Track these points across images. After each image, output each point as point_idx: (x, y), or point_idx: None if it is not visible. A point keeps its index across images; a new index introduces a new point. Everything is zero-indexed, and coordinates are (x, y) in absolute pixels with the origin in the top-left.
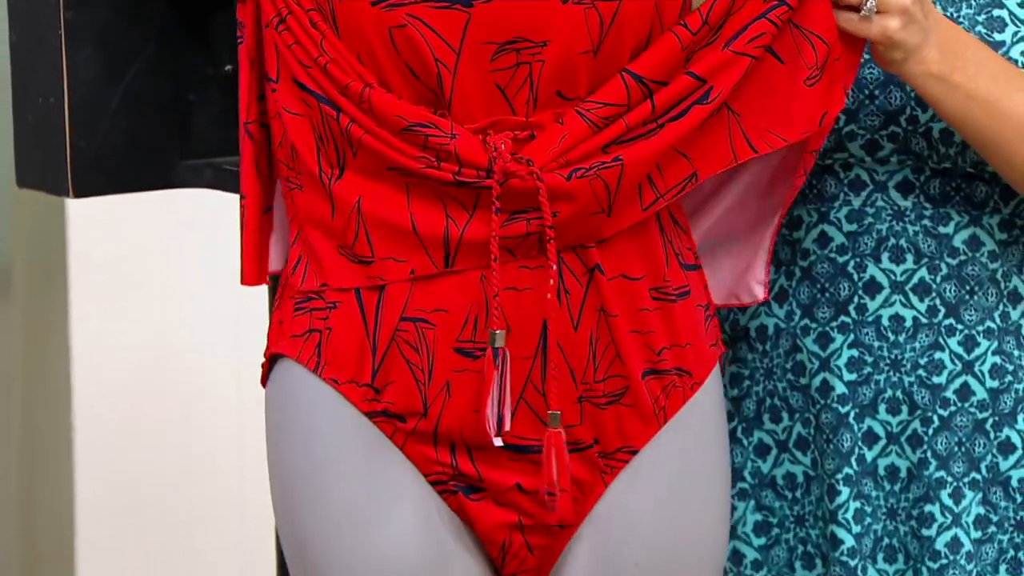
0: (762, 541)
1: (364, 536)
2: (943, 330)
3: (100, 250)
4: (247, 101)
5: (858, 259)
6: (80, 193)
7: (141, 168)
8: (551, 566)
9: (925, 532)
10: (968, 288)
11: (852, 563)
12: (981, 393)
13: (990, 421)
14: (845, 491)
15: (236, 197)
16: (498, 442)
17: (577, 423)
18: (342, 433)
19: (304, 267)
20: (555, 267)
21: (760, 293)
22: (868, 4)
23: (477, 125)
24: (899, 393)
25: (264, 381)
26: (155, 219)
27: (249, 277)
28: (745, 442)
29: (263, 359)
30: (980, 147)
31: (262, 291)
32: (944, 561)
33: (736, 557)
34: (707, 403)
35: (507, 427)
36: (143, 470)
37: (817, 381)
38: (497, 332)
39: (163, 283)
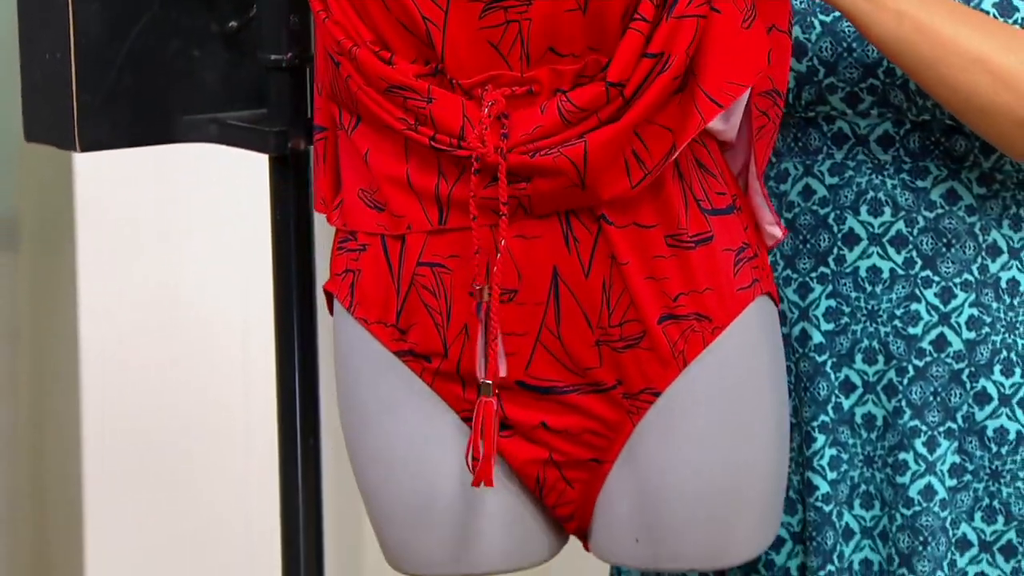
0: None
1: (391, 467)
2: (919, 282)
3: (107, 203)
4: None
5: (838, 211)
6: (86, 147)
7: (146, 123)
8: (594, 500)
9: (899, 479)
10: (945, 241)
11: (827, 508)
12: (957, 344)
13: (966, 372)
14: (821, 438)
15: (240, 151)
16: (487, 387)
17: (597, 365)
18: (376, 369)
19: (339, 206)
20: (503, 242)
21: (778, 232)
22: None
23: (473, 80)
24: (875, 343)
25: (330, 310)
26: (160, 173)
27: (326, 204)
28: None
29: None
30: (920, 75)
31: (266, 244)
32: (917, 508)
33: None
34: (737, 346)
35: (502, 372)
36: (149, 420)
37: (796, 330)
38: (482, 287)
39: (169, 235)
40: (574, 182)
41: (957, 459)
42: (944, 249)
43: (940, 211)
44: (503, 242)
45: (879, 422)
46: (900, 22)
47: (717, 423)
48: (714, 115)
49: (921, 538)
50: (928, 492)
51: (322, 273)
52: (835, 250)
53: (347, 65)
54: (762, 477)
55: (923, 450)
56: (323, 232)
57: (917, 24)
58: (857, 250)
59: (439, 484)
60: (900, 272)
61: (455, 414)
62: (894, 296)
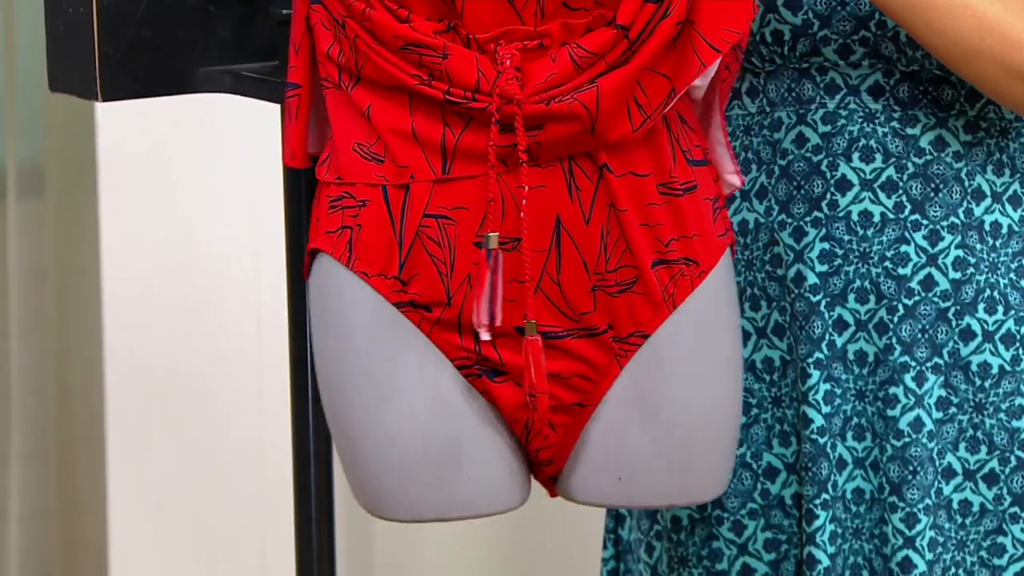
0: (743, 420)
1: (385, 412)
2: (909, 225)
3: (127, 151)
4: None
5: (831, 158)
6: (108, 97)
7: (164, 74)
8: (573, 443)
9: (890, 412)
10: (933, 186)
11: (821, 441)
12: (944, 284)
13: (952, 310)
14: (816, 374)
15: (253, 101)
16: (485, 335)
17: (591, 310)
18: (371, 322)
19: (327, 161)
20: (527, 188)
21: (737, 181)
22: None
23: (489, 35)
24: (867, 283)
25: (306, 274)
26: (178, 122)
27: (295, 158)
28: None
29: (306, 255)
30: (907, 20)
31: (278, 191)
32: (907, 439)
33: None
34: (714, 289)
35: (498, 322)
36: (169, 355)
37: (792, 272)
38: (491, 235)
39: (187, 182)
40: (585, 128)
41: (943, 393)
42: (932, 194)
43: (929, 157)
44: (527, 188)
45: (870, 358)
46: None
47: (698, 364)
48: (714, 60)
49: (911, 468)
50: (917, 424)
51: None
52: (828, 195)
53: (354, 26)
54: (730, 415)
55: (912, 384)
56: None
57: None
58: (849, 195)
59: (435, 431)
60: (890, 216)
61: (450, 363)
62: (885, 239)
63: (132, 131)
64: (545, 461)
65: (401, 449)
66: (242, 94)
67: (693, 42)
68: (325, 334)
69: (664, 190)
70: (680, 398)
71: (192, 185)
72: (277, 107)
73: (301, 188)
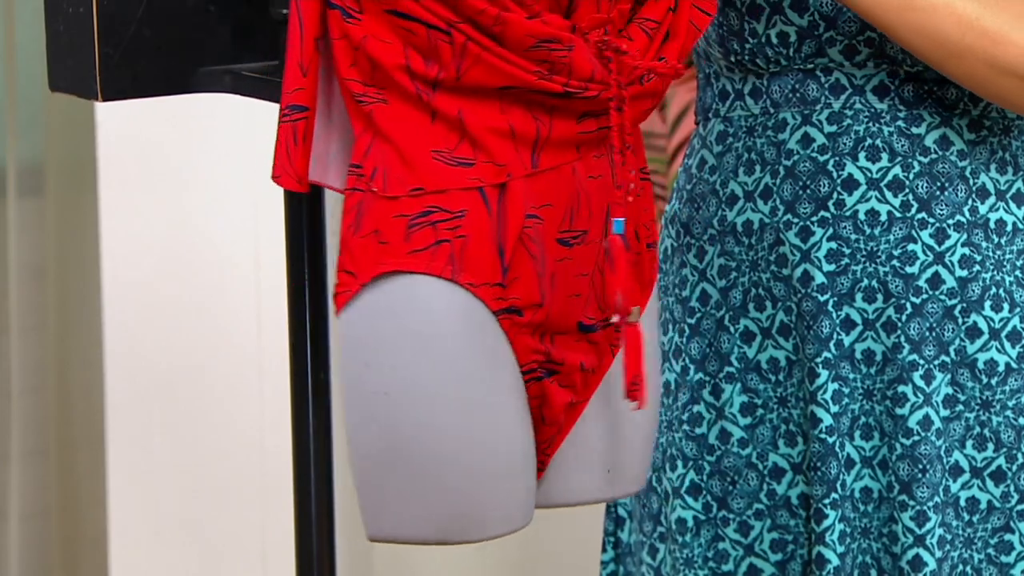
0: (748, 421)
1: (486, 424)
2: (916, 223)
3: (127, 151)
4: (315, 20)
5: (837, 158)
6: (108, 97)
7: (164, 74)
8: (562, 440)
9: (899, 411)
10: (939, 184)
11: (830, 440)
12: (951, 282)
13: (959, 308)
14: (824, 374)
15: (252, 101)
16: (616, 319)
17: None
18: (467, 335)
19: (383, 176)
20: (634, 172)
21: None
22: None
23: (591, 24)
24: (874, 282)
25: (338, 306)
26: (178, 122)
27: (302, 183)
28: (732, 329)
29: (341, 290)
30: (888, 22)
31: (278, 191)
32: (916, 438)
33: (723, 436)
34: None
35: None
36: (168, 352)
37: (799, 272)
38: (619, 220)
39: (186, 182)
40: (656, 104)
41: (950, 390)
42: (938, 192)
43: (934, 156)
44: (633, 172)
45: (878, 357)
46: None
47: (655, 345)
48: (706, 24)
49: (920, 466)
50: (926, 422)
51: (331, 218)
52: (835, 195)
53: (467, 30)
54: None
55: (921, 383)
56: None
57: None
58: (856, 194)
59: (520, 440)
60: (897, 215)
61: (519, 369)
62: (892, 237)
63: (132, 131)
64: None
65: (501, 461)
66: (242, 94)
67: (689, 10)
68: (411, 351)
69: (643, 176)
70: (652, 379)
71: (192, 185)
72: (276, 107)
73: None
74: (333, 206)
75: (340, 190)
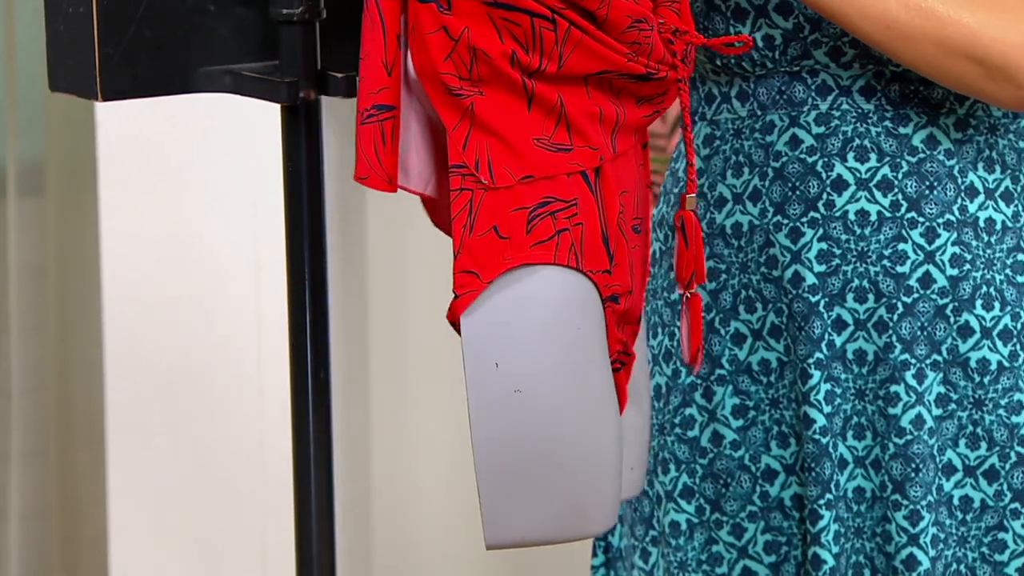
0: (740, 423)
1: (609, 417)
2: (905, 223)
3: (127, 151)
4: (396, 17)
5: (826, 159)
6: (108, 97)
7: (164, 74)
8: None
9: (891, 411)
10: (928, 183)
11: (824, 440)
12: (942, 281)
13: (950, 307)
14: (816, 374)
15: (252, 101)
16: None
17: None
18: (591, 325)
19: (488, 167)
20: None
21: None
22: None
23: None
24: (865, 282)
25: (461, 308)
26: (178, 122)
27: (392, 183)
28: (723, 331)
29: (463, 291)
30: (841, 14)
31: (278, 191)
32: (909, 437)
33: (716, 438)
34: None
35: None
36: (168, 353)
37: (789, 273)
38: (692, 195)
39: (186, 182)
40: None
41: (943, 389)
42: (927, 191)
43: (922, 155)
44: (696, 147)
45: (870, 357)
46: None
47: (644, 349)
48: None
49: (913, 465)
50: (918, 421)
51: (331, 218)
52: (824, 195)
53: (572, 15)
54: None
55: (913, 382)
56: (331, 175)
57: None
58: (846, 195)
59: (619, 434)
60: (887, 214)
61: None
62: (882, 237)
63: (132, 131)
64: None
65: (616, 454)
66: (242, 94)
67: None
68: (542, 344)
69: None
70: (644, 383)
71: (192, 185)
72: (277, 107)
73: (301, 188)
74: (333, 205)
75: (419, 193)
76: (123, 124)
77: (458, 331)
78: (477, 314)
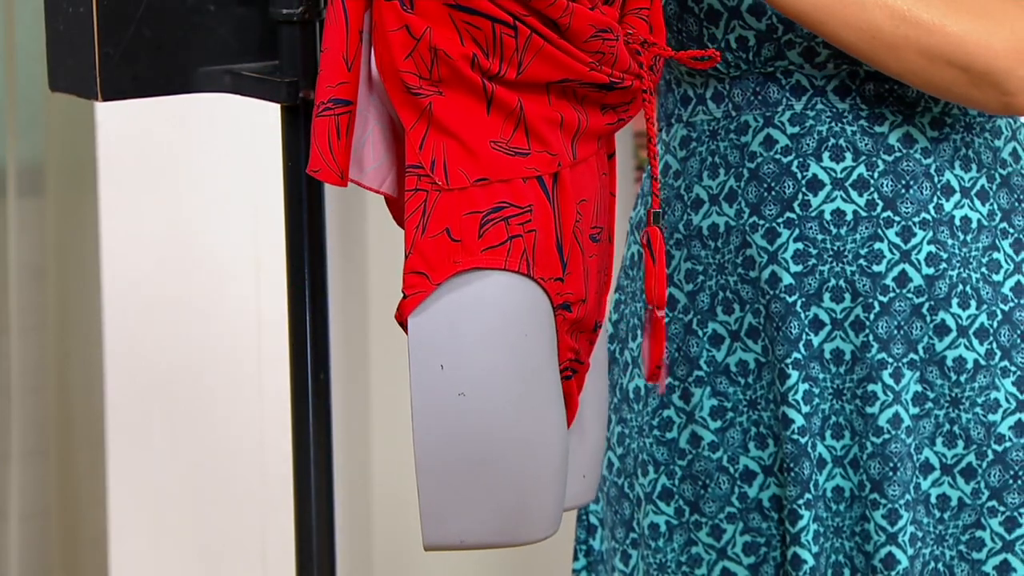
0: (718, 424)
1: (555, 422)
2: (881, 222)
3: (127, 151)
4: (360, 13)
5: (801, 159)
6: (108, 97)
7: (164, 74)
8: None
9: (869, 410)
10: (904, 182)
11: (802, 440)
12: (918, 280)
13: (926, 306)
14: (794, 374)
15: (253, 101)
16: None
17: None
18: (540, 332)
19: (443, 168)
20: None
21: None
22: None
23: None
24: (842, 282)
25: (409, 309)
26: (178, 122)
27: (344, 178)
28: (700, 333)
29: (411, 292)
30: (822, 24)
31: (278, 191)
32: (887, 436)
33: (694, 440)
34: None
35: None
36: (168, 353)
37: (766, 274)
38: (657, 211)
39: (187, 182)
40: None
41: (919, 388)
42: (903, 190)
43: (898, 154)
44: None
45: (847, 356)
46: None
47: (605, 354)
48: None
49: (891, 464)
50: (895, 420)
51: (331, 218)
52: (800, 195)
53: (533, 23)
54: None
55: (890, 381)
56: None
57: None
58: (821, 195)
59: (565, 441)
60: (863, 214)
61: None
62: (858, 237)
63: (132, 131)
64: None
65: (560, 460)
66: (242, 94)
67: None
68: (489, 349)
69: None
70: (597, 383)
71: (192, 185)
72: (277, 107)
73: (301, 188)
74: (333, 205)
75: (374, 189)
76: (123, 124)
77: (406, 331)
78: (424, 315)
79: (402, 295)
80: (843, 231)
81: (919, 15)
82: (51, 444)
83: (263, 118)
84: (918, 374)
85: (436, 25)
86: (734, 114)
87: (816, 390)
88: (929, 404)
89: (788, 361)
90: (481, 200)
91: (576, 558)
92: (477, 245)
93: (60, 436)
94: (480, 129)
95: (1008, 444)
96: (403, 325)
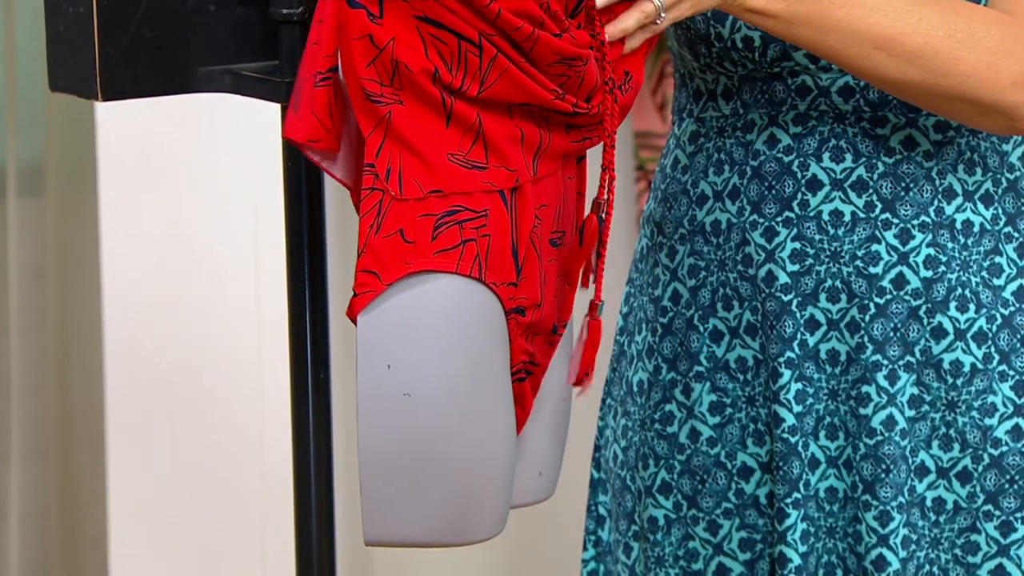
0: (717, 420)
1: (504, 423)
2: (879, 224)
3: (127, 151)
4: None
5: (802, 158)
6: (108, 97)
7: (164, 74)
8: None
9: (862, 411)
10: (904, 185)
11: (793, 440)
12: (915, 282)
13: (924, 308)
14: (787, 373)
15: (253, 101)
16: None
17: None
18: (490, 336)
19: (398, 178)
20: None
21: None
22: None
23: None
24: (838, 283)
25: (359, 307)
26: (178, 122)
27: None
28: (702, 328)
29: (362, 291)
30: (833, 61)
31: (278, 191)
32: (880, 438)
33: (693, 435)
34: None
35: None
36: (168, 353)
37: (763, 272)
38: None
39: (187, 182)
40: (625, 115)
41: (916, 391)
42: (902, 192)
43: (899, 157)
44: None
45: (843, 357)
46: (795, 32)
47: (568, 350)
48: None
49: (884, 466)
50: (889, 422)
51: (331, 218)
52: (799, 195)
53: (500, 43)
54: None
55: (885, 383)
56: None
57: (814, 30)
58: (820, 195)
59: (512, 443)
60: (861, 215)
61: (510, 368)
62: (856, 238)
63: (132, 131)
64: None
65: (507, 462)
66: (242, 94)
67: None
68: (437, 351)
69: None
70: (560, 383)
71: (192, 185)
72: (277, 107)
73: (301, 188)
74: (333, 205)
75: (346, 184)
76: (123, 124)
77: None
78: (374, 315)
79: (352, 293)
80: (841, 232)
81: (925, 61)
82: (51, 444)
83: (263, 118)
84: (915, 377)
85: (403, 34)
86: (741, 112)
87: (810, 390)
88: (925, 407)
89: (781, 360)
90: (436, 204)
91: (585, 548)
92: (430, 247)
93: (60, 436)
94: (438, 141)
95: (1004, 448)
96: (354, 322)
